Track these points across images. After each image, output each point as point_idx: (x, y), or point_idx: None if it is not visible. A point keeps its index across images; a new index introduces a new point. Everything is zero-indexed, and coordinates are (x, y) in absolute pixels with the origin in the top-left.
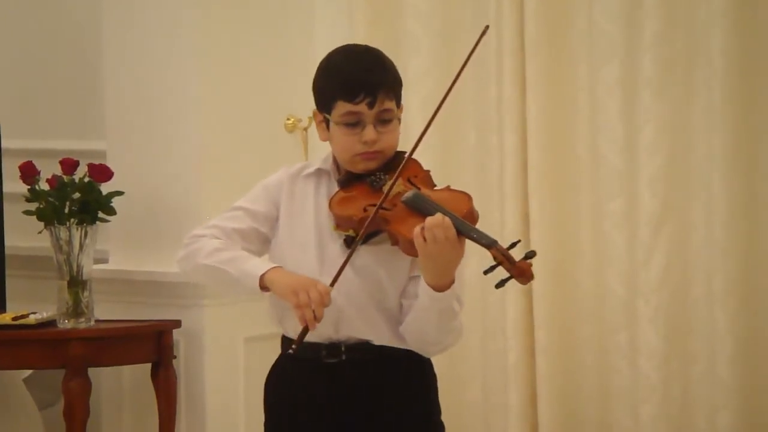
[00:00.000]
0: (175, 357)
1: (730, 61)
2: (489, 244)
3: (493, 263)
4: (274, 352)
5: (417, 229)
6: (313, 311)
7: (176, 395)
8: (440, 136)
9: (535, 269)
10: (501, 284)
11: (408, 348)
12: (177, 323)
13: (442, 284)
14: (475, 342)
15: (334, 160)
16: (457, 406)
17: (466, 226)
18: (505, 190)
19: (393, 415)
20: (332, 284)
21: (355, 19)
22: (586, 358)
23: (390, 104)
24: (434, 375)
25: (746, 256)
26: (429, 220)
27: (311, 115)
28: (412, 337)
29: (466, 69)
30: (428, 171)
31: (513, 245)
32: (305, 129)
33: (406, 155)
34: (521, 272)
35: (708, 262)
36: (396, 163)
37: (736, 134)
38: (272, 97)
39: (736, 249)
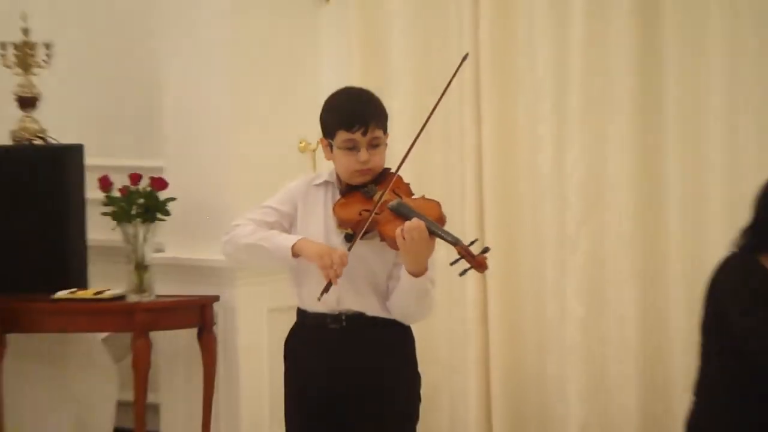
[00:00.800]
0: (214, 323)
1: (635, 99)
2: (454, 242)
3: (457, 257)
4: (290, 319)
5: (398, 231)
6: (335, 270)
7: (216, 352)
8: (416, 156)
9: (488, 257)
10: (463, 273)
11: (393, 318)
12: (216, 298)
13: (418, 272)
14: (443, 312)
15: (336, 175)
16: (430, 360)
17: (436, 228)
18: (465, 199)
19: (381, 367)
20: (349, 250)
21: (353, 63)
22: (526, 323)
23: (378, 132)
24: (413, 337)
25: (647, 247)
26: (407, 223)
27: (318, 140)
28: (396, 310)
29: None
30: (408, 183)
31: (472, 243)
32: (313, 150)
33: (394, 173)
34: (479, 264)
35: (618, 251)
36: (383, 177)
37: (640, 154)
38: (288, 125)
39: (639, 241)
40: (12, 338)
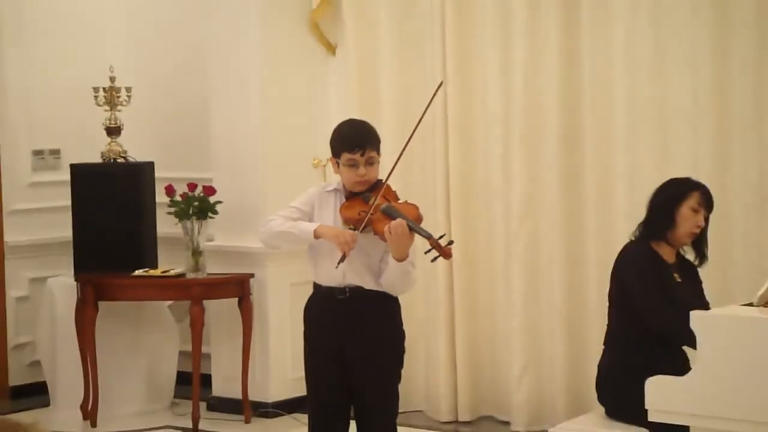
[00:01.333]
0: (251, 294)
1: (561, 127)
2: (427, 236)
3: (429, 247)
4: (307, 291)
5: (386, 228)
6: (348, 245)
7: (252, 315)
8: (400, 170)
9: (453, 247)
10: (434, 259)
11: (384, 291)
12: (252, 275)
13: (401, 258)
14: (420, 285)
15: (342, 184)
16: (410, 320)
17: (414, 225)
18: (437, 202)
19: (376, 326)
20: (338, 264)
21: (352, 100)
22: (481, 294)
23: (373, 153)
24: (399, 305)
25: (570, 238)
26: (392, 222)
27: (329, 158)
28: (386, 285)
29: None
30: (395, 191)
31: (441, 237)
32: (324, 166)
33: (384, 182)
34: (446, 253)
35: (550, 242)
36: (377, 185)
37: (565, 168)
38: (305, 147)
39: (564, 234)
40: (102, 305)
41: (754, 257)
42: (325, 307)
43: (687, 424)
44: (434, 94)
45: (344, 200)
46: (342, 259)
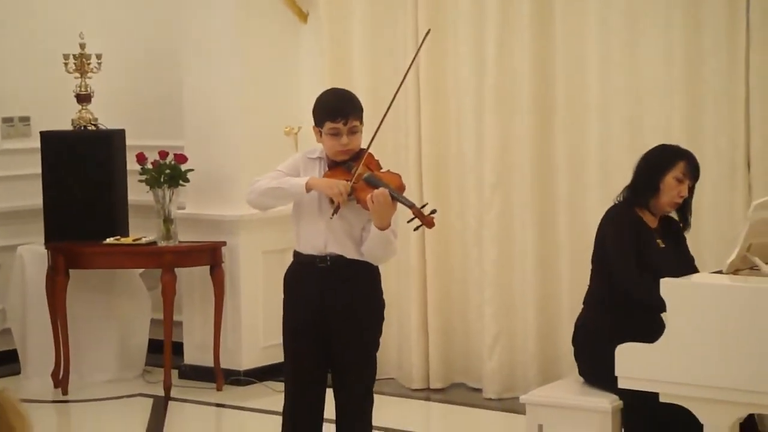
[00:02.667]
0: (223, 262)
1: (534, 99)
2: (410, 205)
3: (412, 216)
4: (279, 259)
5: (368, 196)
6: (342, 194)
7: (224, 283)
8: (380, 141)
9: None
10: (417, 228)
11: (365, 260)
12: (224, 243)
13: (383, 226)
14: (398, 256)
15: (324, 153)
16: (383, 289)
17: (396, 195)
18: (409, 172)
19: (355, 294)
20: (332, 215)
21: (325, 68)
22: (454, 262)
23: (356, 122)
24: (379, 274)
25: (542, 206)
26: (375, 191)
27: (312, 127)
28: (368, 254)
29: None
30: (378, 160)
31: (423, 206)
32: (296, 134)
33: (366, 151)
34: (428, 222)
35: (522, 210)
36: (359, 154)
37: (537, 139)
38: (277, 115)
39: (536, 202)
40: (73, 273)
41: (724, 226)
42: (306, 275)
43: (656, 391)
44: (422, 42)
45: (327, 169)
46: (336, 210)
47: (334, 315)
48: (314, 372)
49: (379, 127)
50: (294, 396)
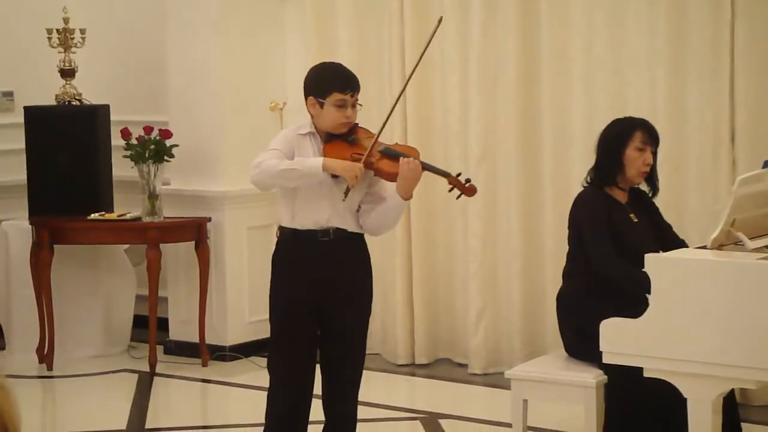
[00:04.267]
0: (208, 238)
1: (518, 73)
2: (446, 174)
3: (450, 186)
4: (263, 234)
5: (404, 166)
6: (358, 177)
7: (209, 259)
8: (364, 116)
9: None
10: (459, 197)
11: (364, 232)
12: (209, 219)
13: (409, 196)
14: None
15: (315, 127)
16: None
17: (428, 164)
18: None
19: (355, 267)
20: (344, 197)
21: (309, 46)
22: (439, 236)
23: (357, 96)
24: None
25: (527, 181)
26: (408, 160)
27: (306, 99)
28: (373, 225)
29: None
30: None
31: (458, 175)
32: (281, 109)
33: (360, 126)
34: (469, 190)
35: (506, 184)
36: (354, 129)
37: (522, 113)
38: (262, 90)
39: (522, 177)
40: (58, 249)
41: (708, 201)
42: (307, 251)
43: (640, 366)
44: (434, 30)
45: (323, 143)
46: (347, 192)
47: (335, 289)
48: (310, 349)
49: (396, 102)
50: (286, 373)
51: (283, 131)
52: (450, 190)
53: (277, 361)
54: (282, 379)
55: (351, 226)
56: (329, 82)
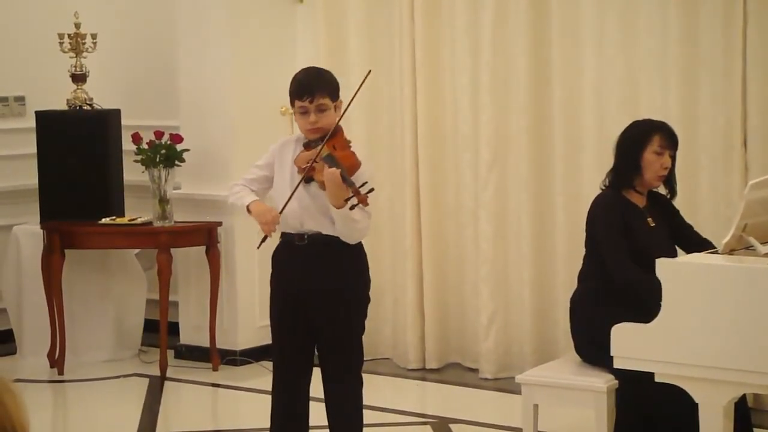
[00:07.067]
0: (218, 242)
1: (530, 76)
2: (350, 184)
3: (350, 195)
4: (275, 240)
5: (324, 171)
6: (268, 225)
7: (219, 263)
8: (370, 118)
9: (422, 196)
10: (352, 207)
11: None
12: (219, 223)
13: (336, 205)
14: (388, 233)
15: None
16: (378, 269)
17: (345, 176)
18: (405, 150)
19: (334, 270)
20: (281, 211)
21: (319, 49)
22: (450, 242)
23: (325, 100)
24: (364, 253)
25: (538, 185)
26: (325, 171)
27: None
28: (336, 232)
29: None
30: (349, 140)
31: (363, 185)
32: (291, 113)
33: (337, 130)
34: (362, 200)
35: (517, 187)
36: (333, 133)
37: (533, 116)
38: (272, 95)
39: (532, 181)
40: (69, 253)
41: (721, 205)
42: (289, 254)
43: (652, 371)
44: (362, 83)
45: (302, 149)
46: (263, 240)
47: (314, 294)
48: (299, 352)
49: (345, 110)
50: (278, 374)
51: (272, 145)
52: (347, 198)
53: (273, 363)
54: (275, 380)
55: (327, 229)
56: (291, 90)
